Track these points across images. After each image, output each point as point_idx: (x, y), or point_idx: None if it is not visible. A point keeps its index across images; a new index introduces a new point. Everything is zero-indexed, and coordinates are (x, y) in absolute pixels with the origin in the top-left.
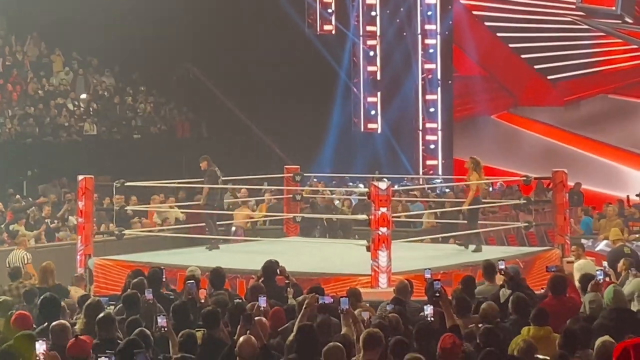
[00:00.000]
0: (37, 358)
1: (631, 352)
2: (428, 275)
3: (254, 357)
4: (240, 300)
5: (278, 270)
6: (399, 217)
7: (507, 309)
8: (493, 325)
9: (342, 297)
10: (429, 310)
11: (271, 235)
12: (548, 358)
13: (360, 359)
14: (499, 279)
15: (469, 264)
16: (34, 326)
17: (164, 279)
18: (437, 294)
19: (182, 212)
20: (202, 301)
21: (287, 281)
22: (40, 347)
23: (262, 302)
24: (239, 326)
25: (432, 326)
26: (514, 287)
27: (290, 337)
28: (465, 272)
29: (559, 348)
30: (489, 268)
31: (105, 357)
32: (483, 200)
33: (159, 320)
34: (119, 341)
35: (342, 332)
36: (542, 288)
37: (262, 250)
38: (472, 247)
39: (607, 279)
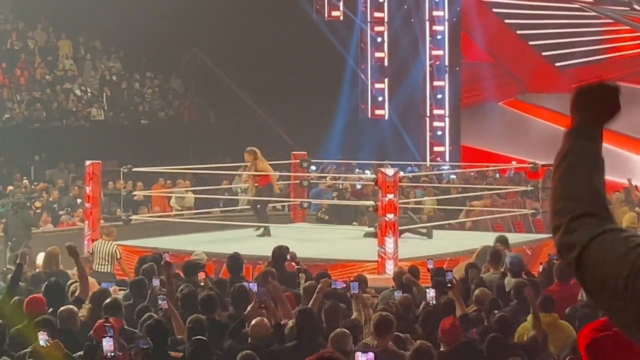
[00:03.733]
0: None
1: (604, 343)
2: (431, 266)
3: (266, 338)
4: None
5: (289, 256)
6: (407, 203)
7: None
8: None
9: (352, 281)
10: (431, 293)
11: (278, 221)
12: None
13: (374, 344)
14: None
15: (476, 250)
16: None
17: (168, 261)
18: (450, 285)
19: (194, 197)
20: (202, 284)
21: (297, 267)
22: (44, 341)
23: (253, 287)
24: (253, 301)
25: (437, 312)
26: (516, 275)
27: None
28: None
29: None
30: (495, 255)
31: (107, 338)
32: (490, 187)
33: (160, 301)
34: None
35: (352, 317)
36: (541, 263)
37: (270, 236)
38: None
39: None
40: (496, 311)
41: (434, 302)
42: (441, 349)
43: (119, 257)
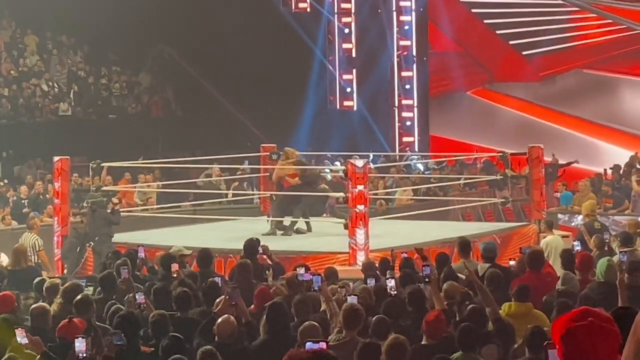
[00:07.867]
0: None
1: (580, 332)
2: (405, 255)
3: (232, 337)
4: (215, 279)
5: (261, 249)
6: (376, 194)
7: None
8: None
9: (315, 275)
10: (391, 283)
11: (248, 213)
12: None
13: (341, 337)
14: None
15: (447, 240)
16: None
17: (142, 257)
18: (427, 280)
19: (159, 191)
20: (175, 275)
21: (269, 262)
22: (22, 338)
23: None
24: (224, 298)
25: (398, 301)
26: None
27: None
28: (443, 248)
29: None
30: (464, 245)
31: (80, 338)
32: (461, 176)
33: (137, 297)
34: (97, 323)
35: (321, 309)
36: (511, 259)
37: (240, 229)
38: None
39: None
40: (467, 302)
41: (394, 292)
42: (423, 342)
43: (38, 248)
